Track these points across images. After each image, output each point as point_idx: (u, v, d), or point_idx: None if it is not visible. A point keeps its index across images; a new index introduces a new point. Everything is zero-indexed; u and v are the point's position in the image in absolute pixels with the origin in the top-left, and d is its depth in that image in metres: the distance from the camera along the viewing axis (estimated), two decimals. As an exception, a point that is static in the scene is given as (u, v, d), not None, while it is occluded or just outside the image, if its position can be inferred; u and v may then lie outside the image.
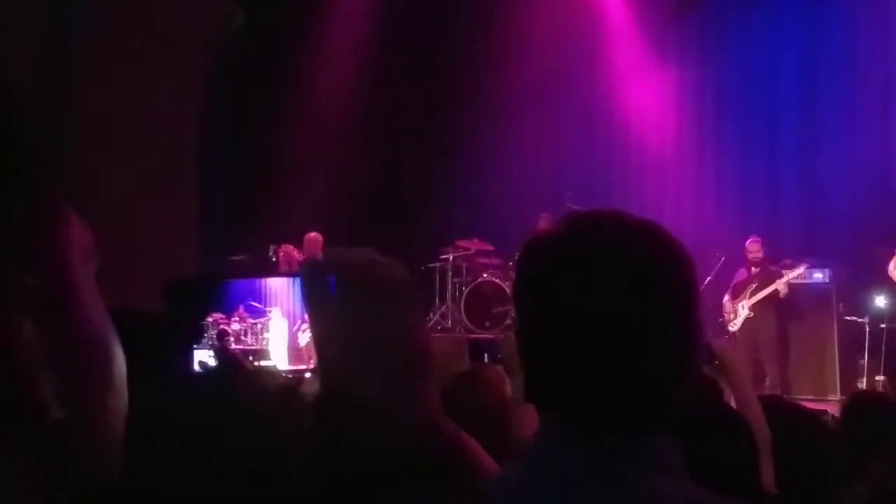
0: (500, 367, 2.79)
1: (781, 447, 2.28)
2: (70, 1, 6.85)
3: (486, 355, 6.87)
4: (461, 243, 8.93)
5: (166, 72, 7.03)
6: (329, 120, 9.18)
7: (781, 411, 2.66)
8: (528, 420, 2.18)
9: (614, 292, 0.96)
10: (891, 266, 6.52)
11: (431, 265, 8.85)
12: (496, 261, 8.97)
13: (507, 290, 8.55)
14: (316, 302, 1.03)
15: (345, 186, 9.17)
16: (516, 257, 1.07)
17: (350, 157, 9.25)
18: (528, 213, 8.81)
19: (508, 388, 2.54)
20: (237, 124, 9.01)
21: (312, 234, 8.62)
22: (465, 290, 8.64)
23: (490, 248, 9.00)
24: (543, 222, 8.47)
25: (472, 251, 8.93)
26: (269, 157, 9.01)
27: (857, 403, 2.73)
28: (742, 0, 9.39)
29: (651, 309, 0.97)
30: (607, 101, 9.91)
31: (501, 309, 8.41)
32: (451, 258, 8.80)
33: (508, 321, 8.33)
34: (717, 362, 2.28)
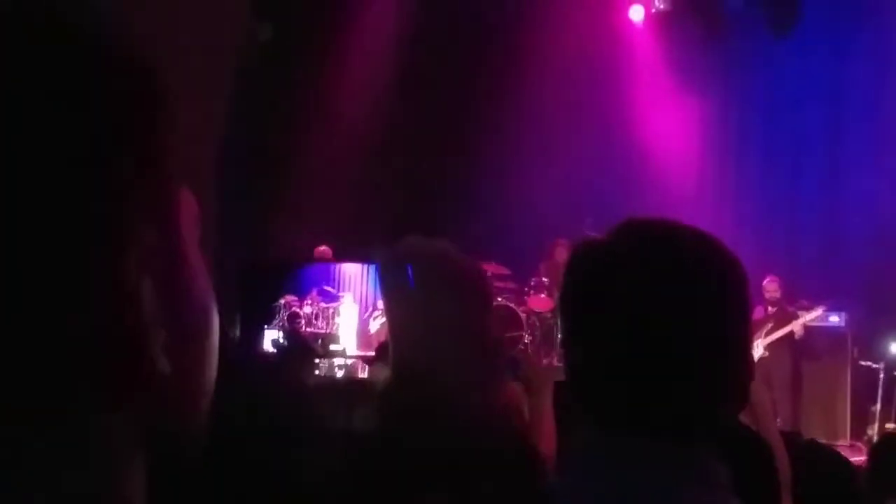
0: (518, 385, 2.78)
1: (803, 484, 2.26)
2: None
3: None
4: (477, 266, 8.88)
5: (189, 82, 7.09)
6: (349, 136, 9.22)
7: (803, 448, 2.64)
8: (546, 438, 2.17)
9: (671, 300, 0.95)
10: (911, 312, 6.50)
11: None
12: (511, 285, 8.93)
13: (521, 315, 8.52)
14: (393, 290, 1.04)
15: (362, 202, 9.19)
16: (567, 264, 1.05)
17: (369, 174, 9.28)
18: (545, 237, 8.79)
19: (526, 408, 2.54)
20: (257, 135, 9.06)
21: (323, 248, 8.64)
22: (479, 312, 8.60)
23: (506, 272, 8.96)
24: (561, 248, 8.45)
25: (488, 275, 8.90)
26: (287, 169, 9.05)
27: (887, 444, 2.72)
28: (768, 32, 9.41)
29: (707, 318, 0.96)
30: (630, 128, 9.91)
31: (515, 334, 8.38)
32: (467, 280, 8.75)
33: (521, 346, 8.29)
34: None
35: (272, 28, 8.98)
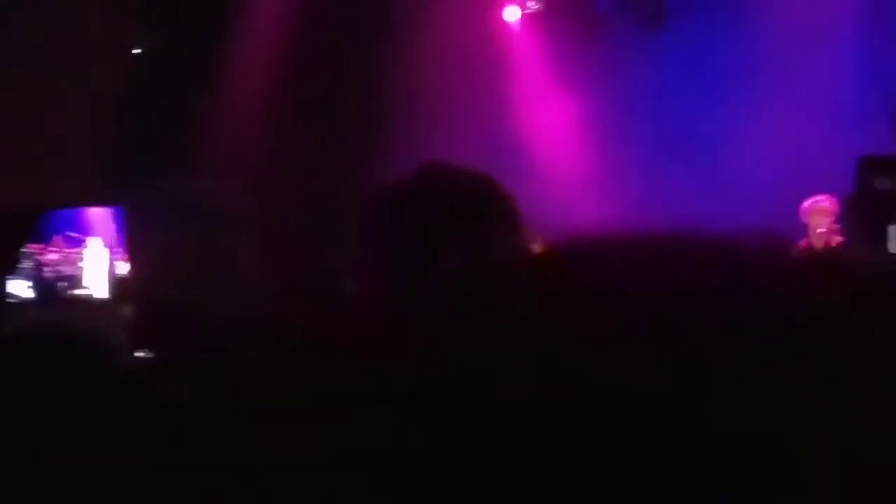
0: None
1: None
2: None
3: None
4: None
5: (75, 83, 6.99)
6: (233, 118, 9.21)
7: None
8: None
9: (449, 227, 1.13)
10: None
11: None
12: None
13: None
14: (135, 230, 1.06)
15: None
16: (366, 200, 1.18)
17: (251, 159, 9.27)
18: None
19: None
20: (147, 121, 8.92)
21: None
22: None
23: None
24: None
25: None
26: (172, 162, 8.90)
27: None
28: (640, 29, 9.84)
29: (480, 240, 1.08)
30: (514, 126, 10.17)
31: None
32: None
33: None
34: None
35: (158, 36, 8.91)
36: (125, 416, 1.01)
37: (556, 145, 10.09)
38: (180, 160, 8.43)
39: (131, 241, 1.07)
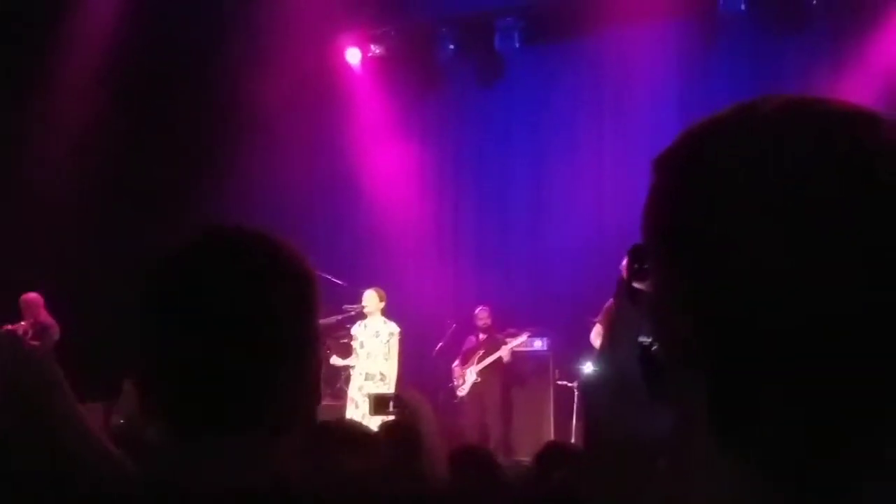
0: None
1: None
2: None
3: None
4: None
5: None
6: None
7: (472, 461, 2.89)
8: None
9: (242, 301, 1.03)
10: (592, 334, 7.14)
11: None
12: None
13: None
14: None
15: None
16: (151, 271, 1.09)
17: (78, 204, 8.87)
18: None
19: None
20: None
21: (32, 296, 8.09)
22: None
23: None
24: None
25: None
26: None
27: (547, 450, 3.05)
28: (477, 82, 10.14)
29: (277, 317, 1.04)
30: (352, 171, 10.21)
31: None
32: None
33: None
34: (407, 410, 2.47)
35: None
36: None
37: (400, 191, 10.19)
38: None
39: None
